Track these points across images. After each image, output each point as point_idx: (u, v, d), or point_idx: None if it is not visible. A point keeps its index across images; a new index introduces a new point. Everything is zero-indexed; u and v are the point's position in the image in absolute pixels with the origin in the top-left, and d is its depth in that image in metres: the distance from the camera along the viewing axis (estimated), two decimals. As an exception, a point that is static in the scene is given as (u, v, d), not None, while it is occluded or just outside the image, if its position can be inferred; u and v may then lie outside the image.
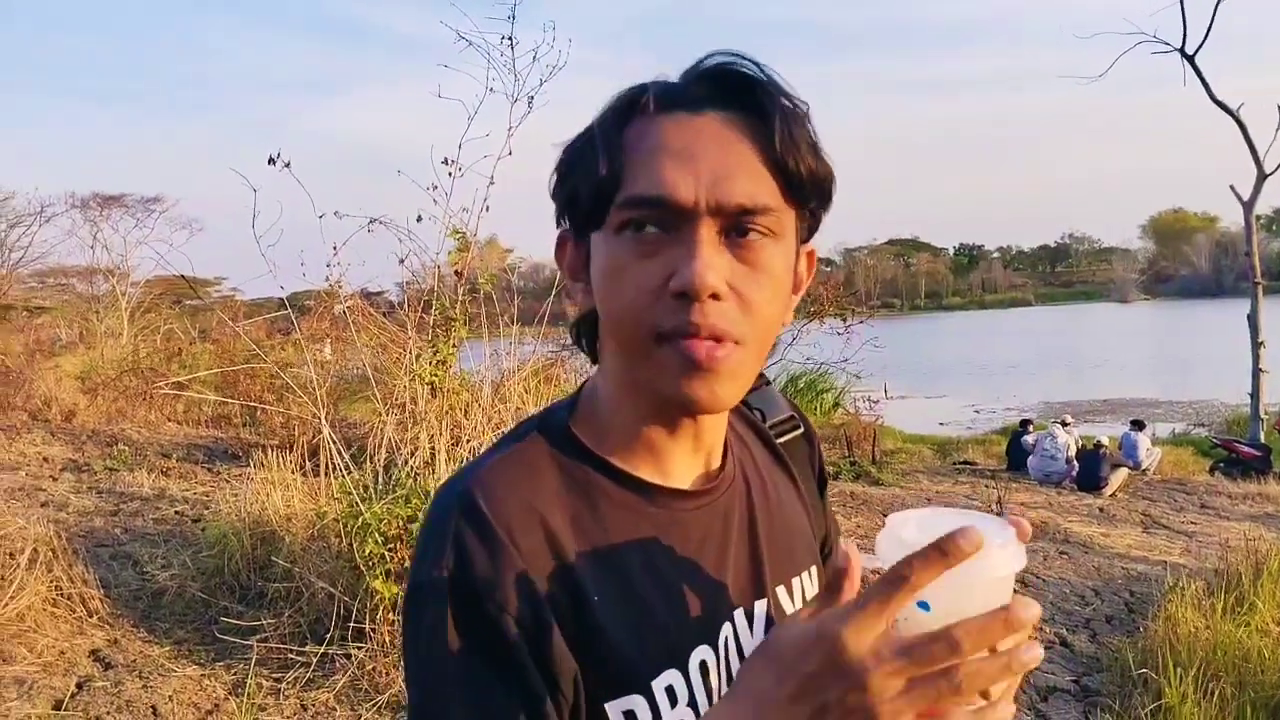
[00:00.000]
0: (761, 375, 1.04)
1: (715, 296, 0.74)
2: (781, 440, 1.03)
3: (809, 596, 0.96)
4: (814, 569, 0.99)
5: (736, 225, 0.76)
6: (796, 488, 1.02)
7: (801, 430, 1.06)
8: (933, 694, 0.58)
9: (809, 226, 0.84)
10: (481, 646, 0.74)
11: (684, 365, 0.75)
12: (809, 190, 0.80)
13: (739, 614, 0.87)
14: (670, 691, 0.79)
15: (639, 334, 0.76)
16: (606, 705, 0.77)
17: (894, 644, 0.58)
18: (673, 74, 0.82)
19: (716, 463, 0.90)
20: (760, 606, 0.89)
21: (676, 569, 0.83)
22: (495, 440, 0.89)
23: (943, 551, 0.57)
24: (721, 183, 0.75)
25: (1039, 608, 0.58)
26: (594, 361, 0.89)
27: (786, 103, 0.78)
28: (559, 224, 0.86)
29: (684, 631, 0.82)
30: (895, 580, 0.58)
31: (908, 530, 0.65)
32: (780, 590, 0.93)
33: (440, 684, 0.74)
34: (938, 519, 0.65)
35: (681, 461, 0.86)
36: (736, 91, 0.78)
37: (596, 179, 0.77)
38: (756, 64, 0.79)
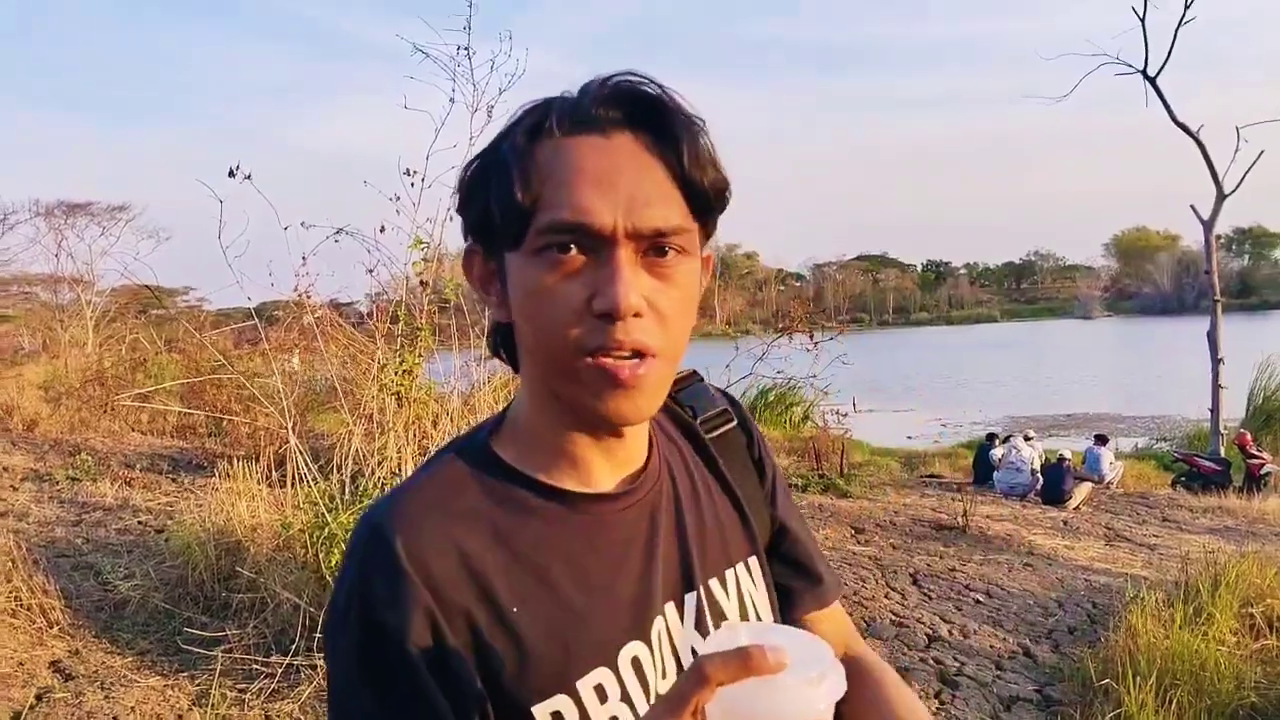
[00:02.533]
0: (694, 373, 1.09)
1: (636, 315, 0.77)
2: (715, 434, 1.05)
3: (744, 589, 0.98)
4: (752, 560, 1.01)
5: (651, 246, 0.79)
6: (728, 482, 1.03)
7: (736, 422, 1.07)
8: None
9: (707, 235, 0.87)
10: (386, 678, 0.77)
11: (608, 383, 0.78)
12: (714, 205, 0.84)
13: (670, 607, 0.90)
14: (600, 690, 0.82)
15: (564, 353, 0.79)
16: (534, 709, 0.80)
17: None
18: (571, 88, 0.83)
19: (640, 462, 0.92)
20: (690, 599, 0.92)
21: (602, 570, 0.85)
22: (419, 463, 0.92)
23: (743, 656, 0.58)
24: (638, 208, 0.77)
25: None
26: (516, 371, 0.91)
27: (690, 123, 0.81)
28: (465, 239, 0.88)
29: (612, 630, 0.84)
30: (693, 675, 0.59)
31: (737, 636, 0.65)
32: (714, 583, 0.95)
33: (350, 714, 0.79)
34: (769, 632, 0.65)
35: (602, 467, 0.88)
36: (644, 113, 0.81)
37: (512, 202, 0.78)
38: (658, 84, 0.82)
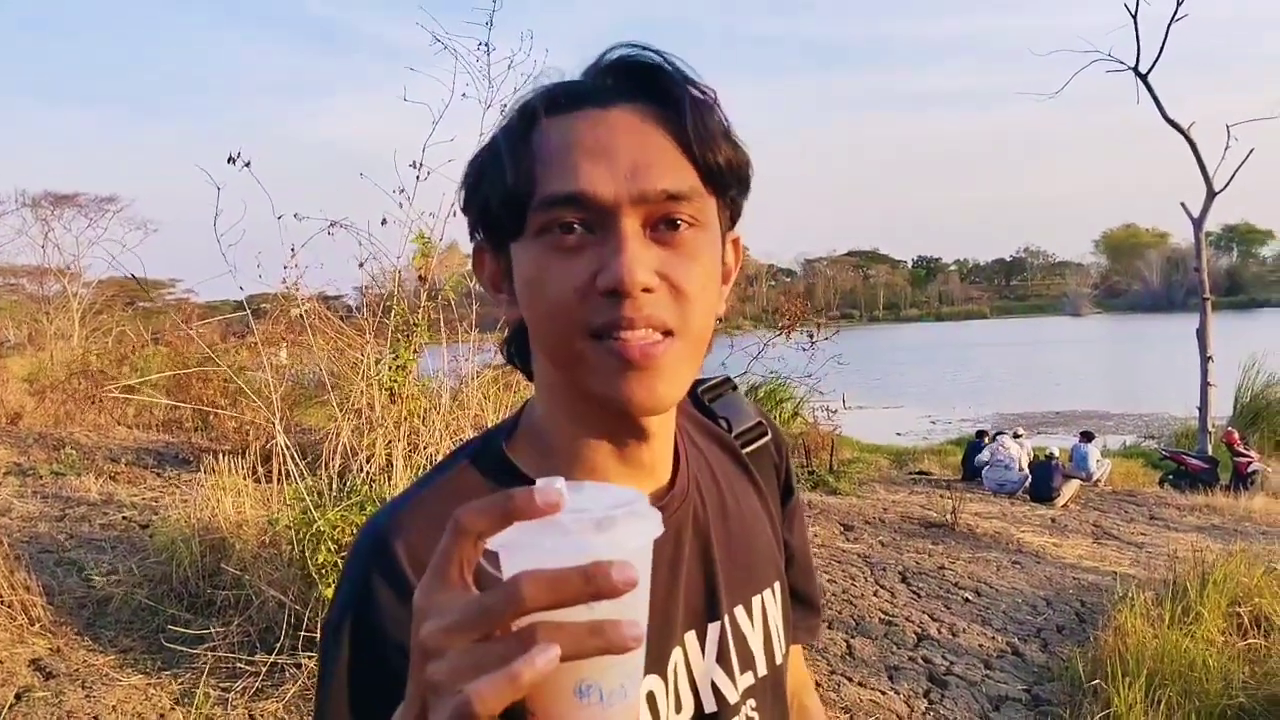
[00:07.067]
0: (728, 380, 1.03)
1: (647, 290, 0.72)
2: (749, 449, 1.00)
3: (770, 615, 0.93)
4: (777, 585, 0.96)
5: (662, 216, 0.73)
6: (762, 499, 0.98)
7: (769, 437, 1.03)
8: (496, 654, 0.47)
9: (731, 215, 0.82)
10: (380, 691, 0.70)
11: (619, 365, 0.72)
12: (727, 176, 0.78)
13: (690, 637, 0.84)
14: None
15: (568, 334, 0.73)
16: None
17: (454, 600, 0.50)
18: (574, 72, 0.79)
19: (665, 479, 0.86)
20: (714, 630, 0.86)
21: None
22: (427, 471, 0.86)
23: (505, 500, 0.50)
24: (642, 172, 0.72)
25: (633, 572, 0.48)
26: (529, 378, 0.86)
27: (695, 91, 0.76)
28: (473, 238, 0.83)
29: None
30: (450, 529, 0.51)
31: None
32: (739, 610, 0.90)
33: None
34: (579, 488, 0.54)
35: (622, 478, 0.82)
36: (644, 82, 0.76)
37: (506, 188, 0.74)
38: (660, 53, 0.77)
